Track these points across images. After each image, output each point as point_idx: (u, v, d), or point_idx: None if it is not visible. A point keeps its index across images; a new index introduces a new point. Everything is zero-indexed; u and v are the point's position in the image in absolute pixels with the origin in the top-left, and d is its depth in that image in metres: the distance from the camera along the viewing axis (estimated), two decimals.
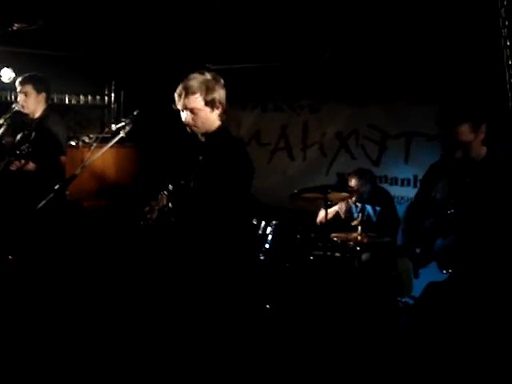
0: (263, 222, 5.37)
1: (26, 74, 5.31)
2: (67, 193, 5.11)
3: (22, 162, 5.04)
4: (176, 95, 3.52)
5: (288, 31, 6.10)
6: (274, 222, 5.36)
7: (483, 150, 3.46)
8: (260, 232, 5.34)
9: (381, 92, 6.67)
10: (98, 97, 8.27)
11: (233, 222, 3.51)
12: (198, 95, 3.45)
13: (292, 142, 7.68)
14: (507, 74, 3.82)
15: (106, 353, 4.38)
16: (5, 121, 5.20)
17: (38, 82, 5.26)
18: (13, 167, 5.08)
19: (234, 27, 6.10)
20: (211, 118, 3.53)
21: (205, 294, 3.53)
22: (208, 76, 3.52)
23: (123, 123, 3.77)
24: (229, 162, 3.44)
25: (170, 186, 3.70)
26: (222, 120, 3.58)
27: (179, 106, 3.53)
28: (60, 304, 4.90)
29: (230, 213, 3.47)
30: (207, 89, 3.46)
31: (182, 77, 3.64)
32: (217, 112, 3.53)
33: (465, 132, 3.35)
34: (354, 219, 5.55)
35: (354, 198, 5.62)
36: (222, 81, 3.57)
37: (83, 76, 7.93)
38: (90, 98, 8.14)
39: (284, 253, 5.29)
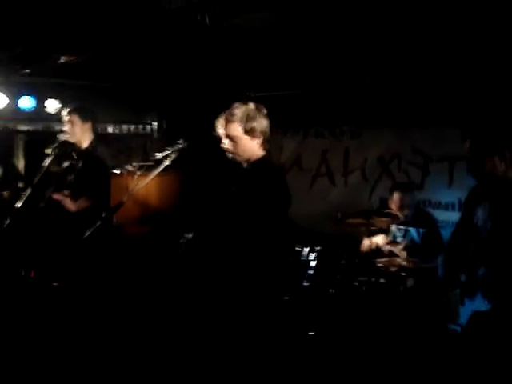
0: (307, 248, 5.35)
1: (72, 105, 5.42)
2: (114, 219, 5.18)
3: (66, 193, 5.13)
4: (218, 123, 3.62)
5: (328, 58, 6.12)
6: (317, 248, 5.34)
7: None
8: (303, 258, 5.32)
9: (422, 116, 6.62)
10: (140, 126, 8.40)
11: (264, 251, 3.53)
12: (237, 124, 3.55)
13: (333, 167, 7.66)
14: None
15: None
16: (52, 150, 5.30)
17: (83, 112, 5.37)
18: (55, 197, 5.17)
19: (274, 55, 6.15)
20: (252, 147, 3.59)
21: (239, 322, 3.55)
22: (251, 106, 3.60)
23: (168, 151, 3.82)
24: (265, 192, 3.48)
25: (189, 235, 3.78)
26: (265, 149, 3.64)
27: (220, 134, 3.62)
28: (106, 328, 4.96)
29: (260, 242, 3.50)
30: (248, 118, 3.54)
31: (224, 104, 3.72)
32: (258, 141, 3.59)
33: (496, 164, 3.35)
34: (397, 244, 5.48)
35: (400, 216, 5.54)
36: (265, 111, 3.63)
37: (126, 106, 8.08)
38: (132, 127, 8.27)
39: (328, 279, 5.25)
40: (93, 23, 4.98)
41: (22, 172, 8.00)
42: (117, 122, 8.16)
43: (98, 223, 3.70)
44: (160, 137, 8.54)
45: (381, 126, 7.10)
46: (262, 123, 3.59)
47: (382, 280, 5.37)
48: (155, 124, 8.52)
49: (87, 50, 5.67)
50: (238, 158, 3.64)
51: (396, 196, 5.59)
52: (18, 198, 5.20)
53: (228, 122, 3.57)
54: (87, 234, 3.66)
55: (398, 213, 5.51)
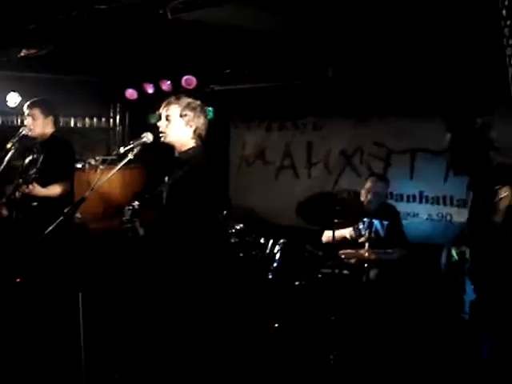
0: (271, 241, 5.37)
1: (34, 99, 5.34)
2: (79, 215, 5.12)
3: (30, 187, 5.04)
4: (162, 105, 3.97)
5: (291, 51, 6.15)
6: (281, 241, 5.36)
7: None
8: (268, 251, 5.34)
9: (384, 109, 6.70)
10: (103, 119, 8.33)
11: (193, 240, 3.79)
12: (176, 106, 3.90)
13: (296, 160, 7.70)
14: None
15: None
16: (12, 145, 5.21)
17: (44, 106, 5.29)
18: (21, 190, 5.09)
19: (236, 48, 6.15)
20: (182, 134, 3.90)
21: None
22: (197, 101, 3.99)
23: (131, 146, 3.84)
24: (190, 184, 3.80)
25: (136, 202, 3.94)
26: (196, 144, 3.94)
27: (161, 114, 3.94)
28: (67, 325, 4.92)
29: (188, 235, 3.77)
30: (187, 105, 3.92)
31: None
32: (189, 131, 3.90)
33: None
34: (361, 236, 5.51)
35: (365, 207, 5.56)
36: (206, 113, 4.01)
37: (88, 99, 8.00)
38: (95, 120, 8.20)
39: (292, 271, 5.28)
40: (54, 16, 4.93)
41: None
42: (79, 115, 8.07)
43: (60, 218, 3.68)
44: (122, 130, 8.48)
45: (343, 119, 7.16)
46: (199, 117, 3.92)
47: (345, 272, 5.42)
48: (118, 117, 8.45)
49: (48, 43, 5.60)
50: (167, 139, 3.90)
51: (370, 182, 5.64)
52: None
53: (169, 103, 3.92)
54: (49, 229, 3.64)
55: (366, 199, 5.56)
